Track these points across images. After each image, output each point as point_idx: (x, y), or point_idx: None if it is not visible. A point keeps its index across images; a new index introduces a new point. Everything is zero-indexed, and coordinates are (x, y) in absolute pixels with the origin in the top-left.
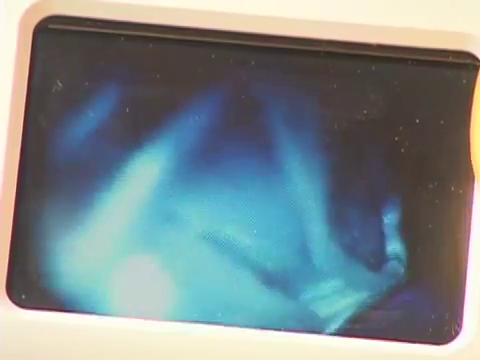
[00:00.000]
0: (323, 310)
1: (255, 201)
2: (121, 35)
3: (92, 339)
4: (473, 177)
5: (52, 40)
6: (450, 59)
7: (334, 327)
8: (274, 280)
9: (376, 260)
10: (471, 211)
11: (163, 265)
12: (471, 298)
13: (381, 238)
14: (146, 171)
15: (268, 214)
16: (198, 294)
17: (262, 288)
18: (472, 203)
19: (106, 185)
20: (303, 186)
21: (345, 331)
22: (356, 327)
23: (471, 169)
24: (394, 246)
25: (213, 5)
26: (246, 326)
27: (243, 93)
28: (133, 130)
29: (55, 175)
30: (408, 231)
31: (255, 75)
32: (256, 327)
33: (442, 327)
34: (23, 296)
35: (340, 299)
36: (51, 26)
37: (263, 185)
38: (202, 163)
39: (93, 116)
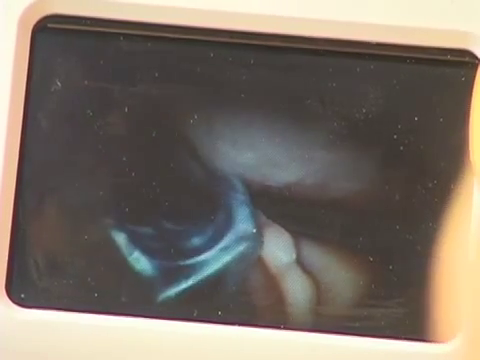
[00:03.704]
0: None
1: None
2: (120, 34)
3: (92, 338)
4: (472, 175)
5: (51, 39)
6: (449, 57)
7: None
8: None
9: None
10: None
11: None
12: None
13: None
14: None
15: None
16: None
17: None
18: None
19: (106, 184)
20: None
21: (344, 329)
22: (356, 325)
23: (470, 167)
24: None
25: (212, 4)
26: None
27: (242, 92)
28: (133, 129)
29: (55, 174)
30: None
31: (254, 74)
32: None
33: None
34: (22, 295)
35: None
36: (50, 25)
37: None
38: (198, 161)
39: (92, 115)
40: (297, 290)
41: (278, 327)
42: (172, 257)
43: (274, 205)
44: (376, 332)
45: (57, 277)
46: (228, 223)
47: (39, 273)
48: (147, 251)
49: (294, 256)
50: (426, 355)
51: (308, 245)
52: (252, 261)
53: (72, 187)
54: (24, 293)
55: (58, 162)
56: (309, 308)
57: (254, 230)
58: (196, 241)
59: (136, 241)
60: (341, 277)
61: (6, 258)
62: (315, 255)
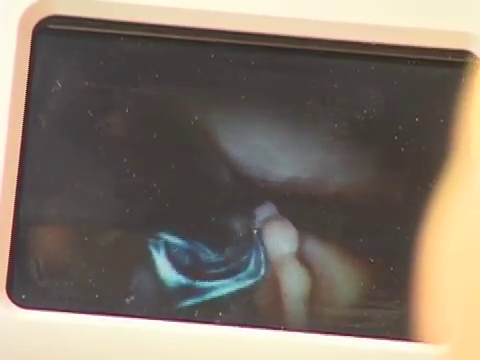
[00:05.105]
0: None
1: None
2: (120, 35)
3: (92, 339)
4: (473, 175)
5: (52, 40)
6: (450, 58)
7: None
8: None
9: None
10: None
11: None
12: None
13: None
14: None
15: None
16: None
17: None
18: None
19: (107, 184)
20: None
21: (345, 330)
22: (356, 326)
23: (471, 168)
24: None
25: (213, 5)
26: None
27: (243, 93)
28: (133, 130)
29: (55, 175)
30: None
31: (255, 75)
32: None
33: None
34: (23, 296)
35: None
36: (51, 26)
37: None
38: (199, 164)
39: (93, 116)
40: (294, 282)
41: (278, 328)
42: (193, 276)
43: (277, 202)
44: (376, 333)
45: (58, 278)
46: (245, 262)
47: (40, 274)
48: (176, 265)
49: (294, 249)
50: (426, 356)
51: (311, 243)
52: (259, 289)
53: (73, 188)
54: (25, 294)
55: (59, 163)
56: (310, 309)
57: (263, 273)
58: (219, 269)
59: (168, 251)
60: (342, 278)
61: (7, 259)
62: (316, 253)
